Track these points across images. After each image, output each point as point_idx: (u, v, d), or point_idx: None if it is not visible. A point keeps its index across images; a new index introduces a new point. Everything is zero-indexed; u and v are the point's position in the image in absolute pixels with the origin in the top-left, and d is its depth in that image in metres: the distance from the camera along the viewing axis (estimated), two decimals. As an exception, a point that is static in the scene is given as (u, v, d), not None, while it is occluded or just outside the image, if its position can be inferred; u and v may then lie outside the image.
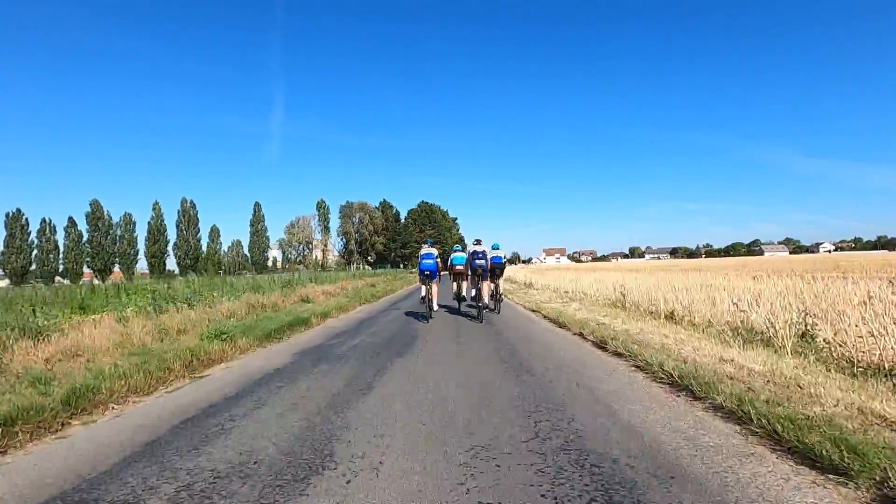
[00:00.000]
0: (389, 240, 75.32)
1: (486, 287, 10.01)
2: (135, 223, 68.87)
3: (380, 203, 79.78)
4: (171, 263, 70.43)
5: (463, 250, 11.30)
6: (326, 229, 73.62)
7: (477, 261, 9.84)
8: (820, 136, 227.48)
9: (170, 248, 66.94)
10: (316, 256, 72.28)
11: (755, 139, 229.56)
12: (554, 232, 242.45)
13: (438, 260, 10.31)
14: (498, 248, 10.92)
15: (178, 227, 68.70)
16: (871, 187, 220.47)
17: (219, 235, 69.87)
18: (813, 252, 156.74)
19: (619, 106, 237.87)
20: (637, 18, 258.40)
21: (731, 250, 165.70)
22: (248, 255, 70.40)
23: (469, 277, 10.64)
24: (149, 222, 67.70)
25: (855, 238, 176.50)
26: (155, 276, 67.02)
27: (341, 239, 75.14)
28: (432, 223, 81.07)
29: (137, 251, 69.49)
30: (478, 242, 10.28)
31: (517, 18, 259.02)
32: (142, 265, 70.71)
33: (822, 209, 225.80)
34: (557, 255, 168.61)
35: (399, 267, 70.98)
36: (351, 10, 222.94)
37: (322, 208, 74.66)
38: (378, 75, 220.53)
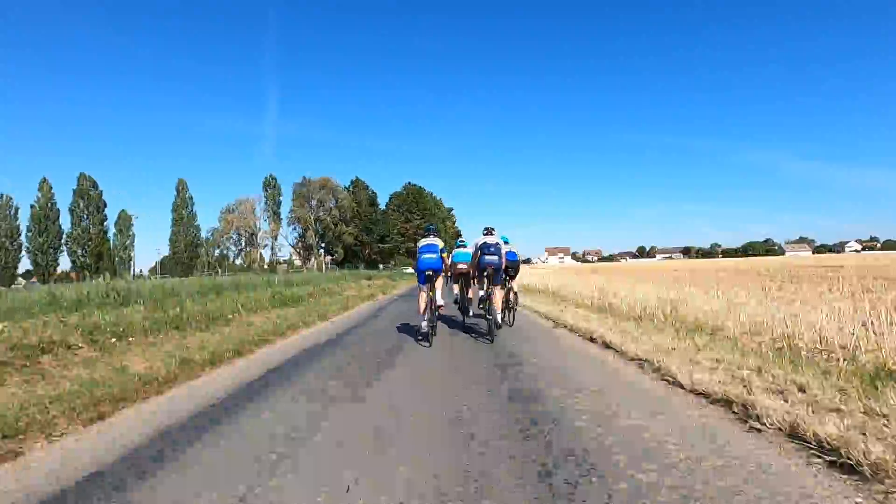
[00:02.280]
0: (363, 230, 57.71)
1: (500, 293, 7.52)
2: (17, 209, 50.98)
3: (350, 182, 61.98)
4: (65, 262, 52.55)
5: (467, 245, 8.92)
6: (276, 216, 55.62)
7: (487, 256, 7.33)
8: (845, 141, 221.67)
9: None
10: (274, 255, 54.61)
11: (755, 142, 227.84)
12: (555, 231, 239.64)
13: (444, 255, 7.30)
14: (508, 242, 8.46)
15: (72, 212, 50.78)
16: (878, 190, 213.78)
17: (130, 225, 52.04)
18: (837, 252, 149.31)
19: (620, 105, 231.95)
20: (641, 16, 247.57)
21: (750, 249, 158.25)
22: (170, 251, 52.42)
23: (476, 279, 8.20)
24: (32, 205, 49.85)
25: (871, 237, 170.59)
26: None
27: (294, 228, 57.17)
28: (421, 211, 64.05)
29: (20, 245, 51.70)
30: (488, 232, 7.63)
31: (519, 13, 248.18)
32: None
33: (834, 212, 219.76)
34: (561, 255, 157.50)
35: (377, 267, 53.63)
36: (347, 6, 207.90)
37: (271, 187, 56.54)
38: (374, 72, 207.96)
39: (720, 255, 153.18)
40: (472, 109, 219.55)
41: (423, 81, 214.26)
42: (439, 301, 7.26)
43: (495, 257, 7.28)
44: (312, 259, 55.60)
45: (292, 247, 56.76)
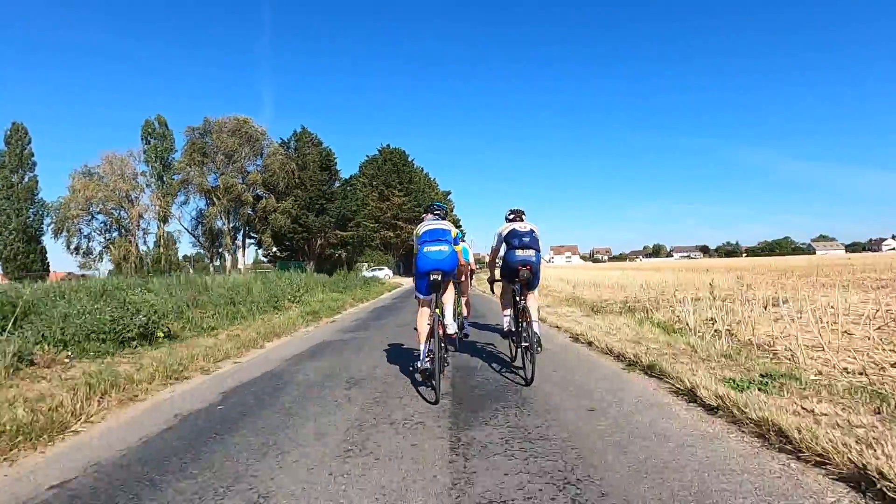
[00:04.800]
0: (310, 208, 35.14)
1: (535, 304, 4.74)
2: None
3: (292, 134, 37.33)
4: None
5: (463, 238, 7.12)
6: (166, 183, 34.53)
7: (519, 252, 4.60)
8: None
9: None
10: (166, 248, 33.59)
11: (750, 142, 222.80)
12: (554, 230, 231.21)
13: (457, 247, 4.58)
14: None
15: None
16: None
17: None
18: (874, 250, 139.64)
19: (621, 104, 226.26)
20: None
21: (777, 247, 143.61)
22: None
23: (499, 287, 5.52)
24: None
25: (893, 235, 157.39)
26: None
27: (186, 202, 34.93)
28: (405, 185, 44.99)
29: None
30: (517, 216, 4.94)
31: (523, 14, 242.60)
32: None
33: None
34: (568, 254, 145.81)
35: (341, 269, 32.75)
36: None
37: (157, 137, 34.84)
38: (373, 69, 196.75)
39: (744, 254, 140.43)
40: (471, 106, 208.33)
41: (423, 76, 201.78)
42: (449, 323, 4.42)
43: (530, 252, 4.57)
44: (227, 254, 35.19)
45: (189, 232, 35.51)
